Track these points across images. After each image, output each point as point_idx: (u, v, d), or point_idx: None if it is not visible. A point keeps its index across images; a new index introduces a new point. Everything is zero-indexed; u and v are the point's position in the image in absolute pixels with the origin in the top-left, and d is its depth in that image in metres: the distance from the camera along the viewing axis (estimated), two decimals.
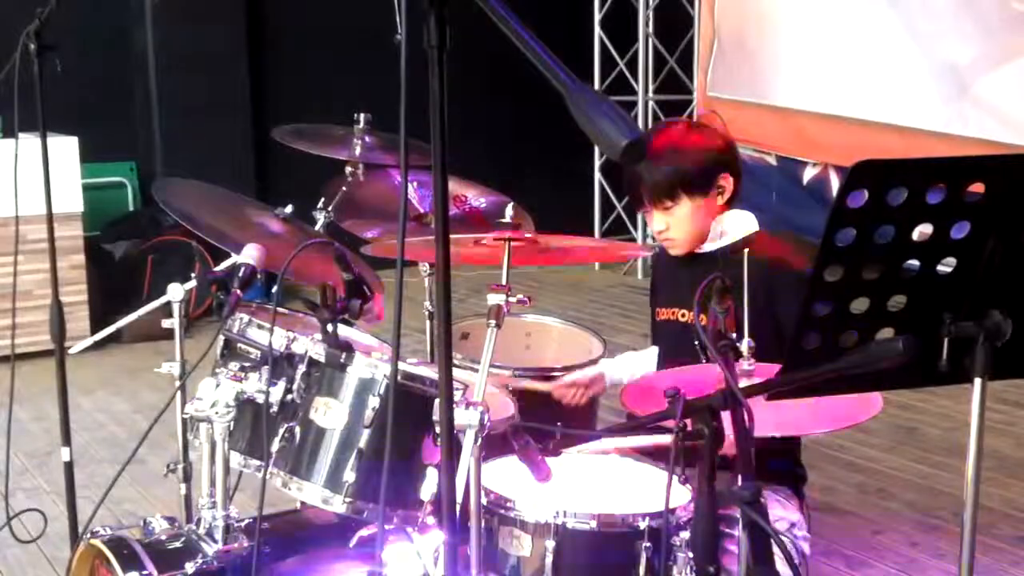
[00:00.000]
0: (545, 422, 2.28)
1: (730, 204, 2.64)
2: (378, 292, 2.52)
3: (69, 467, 2.94)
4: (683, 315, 2.67)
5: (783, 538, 2.43)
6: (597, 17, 7.75)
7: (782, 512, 2.52)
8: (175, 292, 2.62)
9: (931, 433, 4.64)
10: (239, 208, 2.88)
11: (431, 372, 2.26)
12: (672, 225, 2.61)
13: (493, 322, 2.27)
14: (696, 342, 1.89)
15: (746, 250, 2.43)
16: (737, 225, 2.62)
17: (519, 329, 3.24)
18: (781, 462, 2.60)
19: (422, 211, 3.31)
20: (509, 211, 2.47)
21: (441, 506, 1.64)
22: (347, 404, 2.24)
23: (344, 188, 3.26)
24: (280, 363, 2.26)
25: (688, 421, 1.79)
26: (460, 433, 2.07)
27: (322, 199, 3.23)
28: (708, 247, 2.62)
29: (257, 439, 2.27)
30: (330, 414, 2.24)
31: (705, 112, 2.68)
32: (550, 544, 2.11)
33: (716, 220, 2.61)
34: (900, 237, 1.63)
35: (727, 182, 2.60)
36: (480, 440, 2.08)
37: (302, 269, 2.59)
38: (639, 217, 7.84)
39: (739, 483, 1.76)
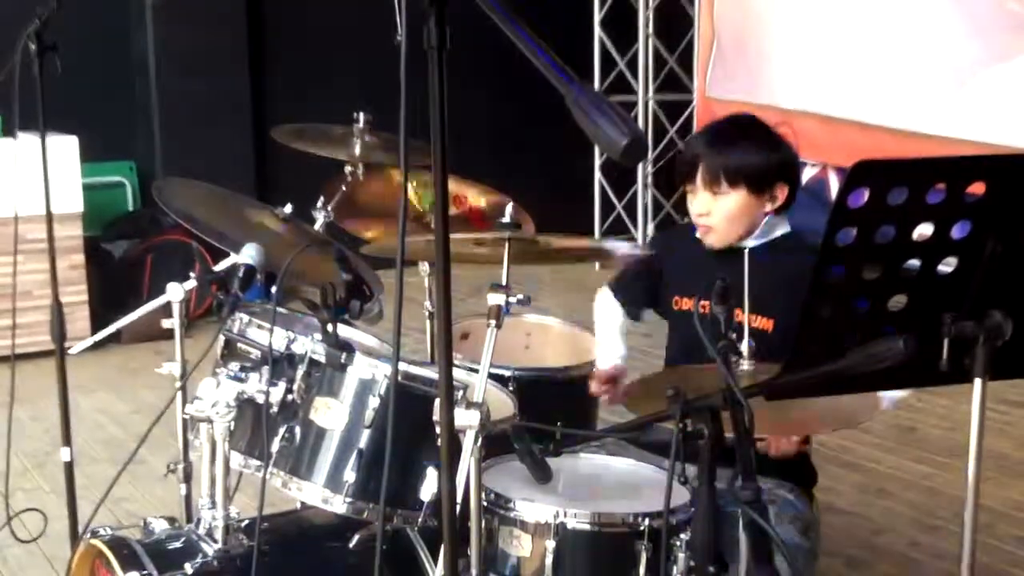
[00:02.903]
0: (545, 422, 2.28)
1: (777, 213, 2.61)
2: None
3: (69, 467, 2.94)
4: (704, 306, 2.63)
5: (799, 539, 2.43)
6: (597, 17, 7.75)
7: (798, 513, 2.51)
8: (175, 292, 2.61)
9: (931, 433, 4.63)
10: (239, 208, 2.88)
11: (431, 372, 2.26)
12: (715, 211, 2.56)
13: (493, 322, 2.27)
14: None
15: (746, 250, 2.43)
16: (769, 226, 2.61)
17: (519, 329, 3.23)
18: (794, 461, 2.58)
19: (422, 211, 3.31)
20: (509, 211, 2.47)
21: (441, 506, 1.64)
22: (347, 404, 2.24)
23: (344, 188, 3.26)
24: (280, 363, 2.26)
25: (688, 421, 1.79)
26: (460, 433, 2.07)
27: (322, 199, 3.23)
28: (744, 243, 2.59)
29: (257, 439, 2.27)
30: (330, 414, 2.24)
31: (780, 122, 2.61)
32: (550, 544, 2.11)
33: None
34: (900, 237, 1.63)
35: (781, 193, 2.56)
36: (480, 440, 2.08)
37: (301, 270, 2.59)
38: (639, 217, 7.84)
39: (739, 483, 1.77)
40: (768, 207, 2.56)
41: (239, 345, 2.35)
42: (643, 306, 2.89)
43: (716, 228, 2.57)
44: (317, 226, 3.15)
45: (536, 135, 7.22)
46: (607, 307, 2.94)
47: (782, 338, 2.40)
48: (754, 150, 2.55)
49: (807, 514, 2.54)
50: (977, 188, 1.62)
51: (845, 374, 1.67)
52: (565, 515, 2.12)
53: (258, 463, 2.26)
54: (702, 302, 2.57)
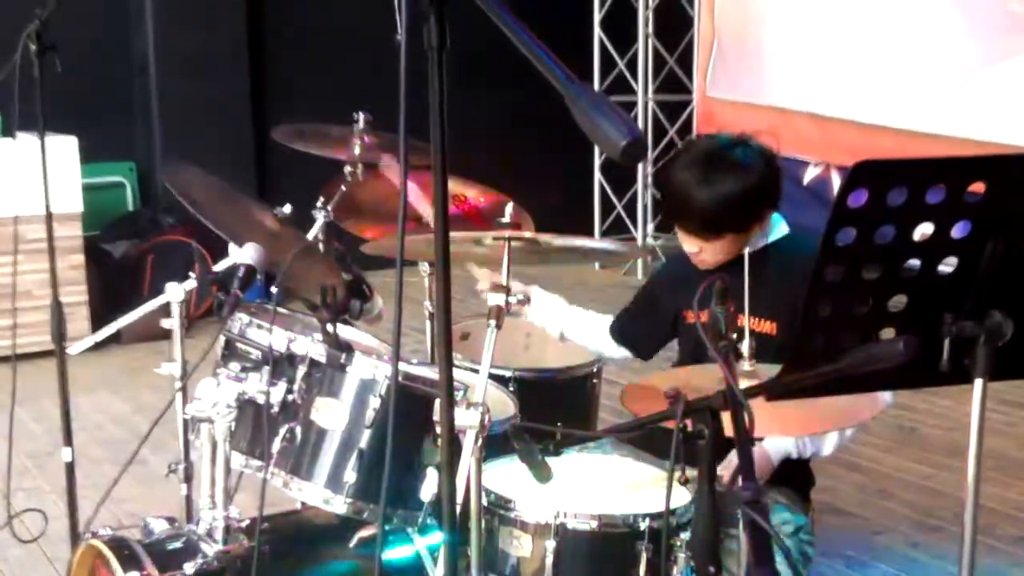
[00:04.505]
0: (545, 422, 2.28)
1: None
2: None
3: (70, 467, 2.94)
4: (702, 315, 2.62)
5: (788, 541, 2.43)
6: (597, 17, 7.75)
7: (789, 515, 2.51)
8: (174, 292, 2.61)
9: (931, 433, 4.63)
10: (242, 204, 2.87)
11: (431, 372, 2.26)
12: (706, 250, 2.58)
13: (493, 322, 2.27)
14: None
15: (746, 251, 2.43)
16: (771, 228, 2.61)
17: (519, 329, 3.23)
18: (791, 465, 2.58)
19: (421, 212, 3.31)
20: (509, 211, 2.47)
21: (441, 506, 1.64)
22: (348, 404, 2.24)
23: (344, 188, 3.26)
24: (281, 363, 2.26)
25: (688, 422, 1.79)
26: (460, 433, 2.07)
27: (321, 199, 3.22)
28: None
29: (258, 439, 2.27)
30: (331, 414, 2.24)
31: (761, 130, 2.55)
32: (550, 544, 2.11)
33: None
34: (901, 237, 1.63)
35: (767, 213, 2.57)
36: (480, 440, 2.08)
37: (298, 278, 2.57)
38: (639, 217, 7.84)
39: (739, 483, 1.76)
40: (758, 229, 2.57)
41: (239, 345, 2.35)
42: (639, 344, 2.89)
43: (710, 261, 2.59)
44: (316, 226, 3.15)
45: (536, 134, 7.22)
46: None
47: (788, 341, 2.39)
48: (732, 201, 2.50)
49: (801, 517, 2.54)
50: (977, 188, 1.62)
51: (845, 374, 1.67)
52: (565, 515, 2.12)
53: (259, 463, 2.26)
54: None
